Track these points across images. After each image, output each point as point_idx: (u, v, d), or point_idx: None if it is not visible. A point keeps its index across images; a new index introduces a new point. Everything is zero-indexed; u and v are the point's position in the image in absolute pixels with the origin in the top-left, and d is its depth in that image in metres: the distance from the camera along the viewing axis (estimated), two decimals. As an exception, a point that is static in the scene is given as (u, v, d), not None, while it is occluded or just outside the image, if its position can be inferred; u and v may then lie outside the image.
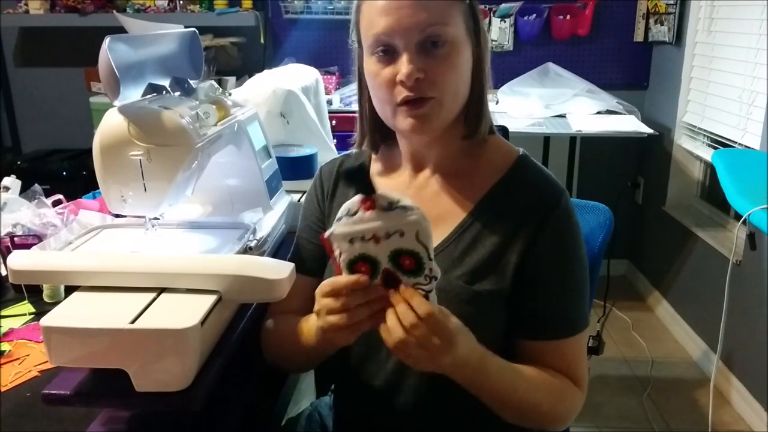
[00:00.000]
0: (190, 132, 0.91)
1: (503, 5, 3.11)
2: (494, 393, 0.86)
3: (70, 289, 0.85)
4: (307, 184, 1.12)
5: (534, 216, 0.91)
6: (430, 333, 0.75)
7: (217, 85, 1.12)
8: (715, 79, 2.68)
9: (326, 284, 0.79)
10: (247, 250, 0.99)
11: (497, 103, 2.95)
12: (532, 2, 3.12)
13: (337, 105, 2.82)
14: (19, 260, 0.83)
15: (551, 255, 0.91)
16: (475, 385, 0.84)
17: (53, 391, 0.76)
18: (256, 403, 0.95)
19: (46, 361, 0.83)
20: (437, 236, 0.89)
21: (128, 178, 0.89)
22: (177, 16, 2.92)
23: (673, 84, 2.96)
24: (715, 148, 2.60)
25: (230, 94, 1.19)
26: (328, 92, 2.87)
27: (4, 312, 1.13)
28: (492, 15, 3.14)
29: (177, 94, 1.01)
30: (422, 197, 0.95)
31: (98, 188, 0.92)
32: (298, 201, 1.37)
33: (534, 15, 3.12)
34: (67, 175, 2.86)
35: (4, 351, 1.00)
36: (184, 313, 0.77)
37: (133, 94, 0.92)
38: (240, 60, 3.15)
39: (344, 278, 0.78)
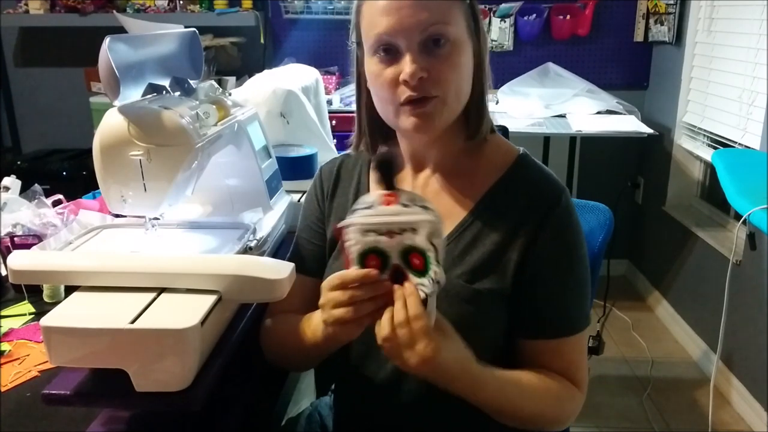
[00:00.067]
0: (190, 132, 0.91)
1: (503, 5, 3.11)
2: (485, 402, 0.85)
3: (70, 289, 0.85)
4: (307, 184, 1.12)
5: (534, 214, 0.91)
6: (413, 335, 0.74)
7: (217, 85, 1.12)
8: (715, 79, 2.68)
9: (335, 277, 0.79)
10: (247, 250, 0.99)
11: (497, 103, 2.95)
12: (532, 2, 3.12)
13: (337, 105, 2.82)
14: (19, 260, 0.83)
15: (552, 253, 0.91)
16: (461, 393, 0.83)
17: (53, 391, 0.76)
18: (256, 403, 0.95)
19: (46, 361, 0.83)
20: None
21: (128, 178, 0.89)
22: (177, 16, 2.92)
23: (673, 84, 2.96)
24: (715, 148, 2.60)
25: (230, 94, 1.19)
26: (328, 92, 2.87)
27: (4, 312, 1.13)
28: (492, 15, 3.14)
29: (177, 94, 1.01)
30: (424, 196, 0.95)
31: (98, 188, 0.92)
32: (298, 201, 1.37)
33: (534, 15, 3.12)
34: (67, 175, 2.86)
35: (4, 351, 1.00)
36: (184, 313, 0.77)
37: (133, 94, 0.92)
38: (240, 60, 3.15)
39: (354, 271, 0.78)
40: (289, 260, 0.96)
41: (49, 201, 1.33)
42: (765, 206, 1.56)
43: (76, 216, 1.26)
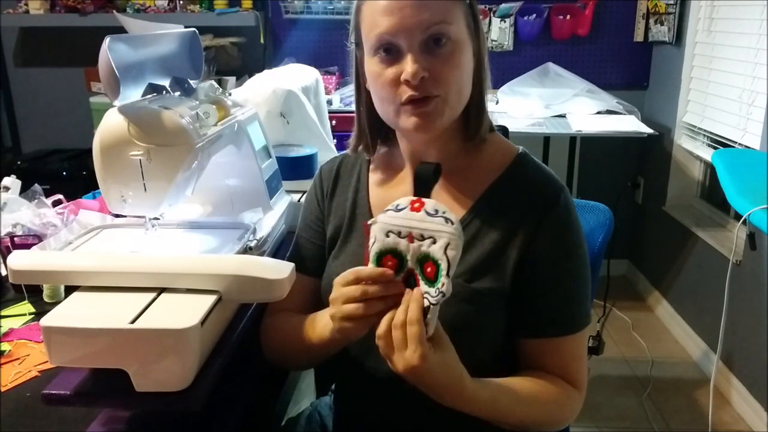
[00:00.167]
0: (190, 132, 0.91)
1: (503, 5, 3.11)
2: (477, 414, 0.85)
3: (70, 289, 0.85)
4: (307, 184, 1.12)
5: (533, 213, 0.91)
6: (405, 339, 0.74)
7: (217, 85, 1.12)
8: (715, 79, 2.68)
9: (350, 272, 0.79)
10: (247, 250, 0.99)
11: (497, 103, 2.96)
12: (532, 2, 3.12)
13: (337, 105, 2.82)
14: (19, 260, 0.83)
15: (551, 252, 0.91)
16: (450, 405, 0.82)
17: (53, 391, 0.76)
18: (256, 403, 0.95)
19: (46, 361, 0.83)
20: None
21: (128, 178, 0.89)
22: (177, 16, 2.92)
23: (673, 84, 2.96)
24: (715, 148, 2.60)
25: (230, 94, 1.19)
26: (328, 92, 2.87)
27: (4, 312, 1.13)
28: (492, 15, 3.14)
29: (177, 94, 1.01)
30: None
31: (98, 188, 0.92)
32: (298, 201, 1.37)
33: (534, 15, 3.12)
34: (67, 175, 2.86)
35: (4, 351, 1.00)
36: (184, 313, 0.77)
37: (133, 94, 0.92)
38: (240, 60, 3.15)
39: (369, 269, 0.78)
40: (289, 260, 0.96)
41: (49, 201, 1.33)
42: (765, 206, 1.56)
43: (76, 216, 1.26)
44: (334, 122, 1.95)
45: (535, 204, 0.91)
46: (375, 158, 1.05)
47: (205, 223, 1.13)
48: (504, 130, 2.26)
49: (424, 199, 0.78)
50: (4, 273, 1.19)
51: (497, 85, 3.04)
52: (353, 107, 1.02)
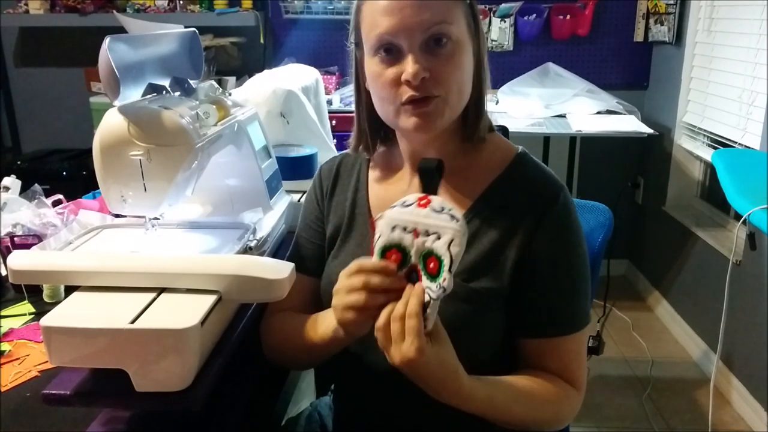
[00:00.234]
0: (190, 132, 0.90)
1: (503, 5, 3.11)
2: (474, 411, 0.84)
3: (70, 289, 0.85)
4: (307, 184, 1.12)
5: (532, 213, 0.91)
6: (403, 332, 0.75)
7: (217, 85, 1.12)
8: (715, 79, 2.68)
9: (354, 264, 0.80)
10: (247, 250, 0.99)
11: (497, 103, 2.96)
12: (532, 2, 3.12)
13: (337, 105, 2.83)
14: (19, 260, 0.83)
15: (550, 252, 0.91)
16: (447, 402, 0.82)
17: (53, 391, 0.76)
18: (256, 403, 0.95)
19: (46, 361, 0.83)
20: None
21: (128, 178, 0.89)
22: (177, 16, 2.92)
23: (673, 84, 2.96)
24: (715, 148, 2.60)
25: (230, 94, 1.19)
26: (328, 92, 2.87)
27: (4, 312, 1.13)
28: (492, 15, 3.14)
29: (177, 94, 1.01)
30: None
31: (98, 188, 0.92)
32: (298, 201, 1.37)
33: (534, 15, 3.12)
34: (67, 175, 2.86)
35: (4, 351, 1.00)
36: (184, 313, 0.77)
37: (133, 94, 0.92)
38: (240, 60, 3.15)
39: (373, 261, 0.79)
40: (289, 259, 0.96)
41: (49, 201, 1.33)
42: (765, 206, 1.56)
43: (76, 216, 1.26)
44: (334, 122, 1.95)
45: (535, 203, 0.91)
46: (374, 158, 1.05)
47: (205, 223, 1.13)
48: (504, 130, 2.26)
49: (431, 197, 0.79)
50: (4, 273, 1.19)
51: (497, 85, 3.04)
52: (353, 107, 1.02)
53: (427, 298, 0.75)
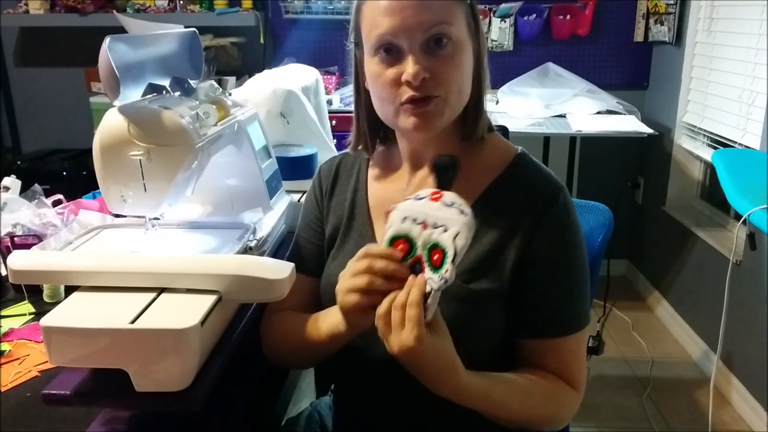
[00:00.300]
0: (190, 132, 0.90)
1: (503, 5, 3.11)
2: (472, 406, 0.85)
3: (70, 289, 0.85)
4: (307, 184, 1.12)
5: (532, 213, 0.91)
6: (403, 320, 0.75)
7: (217, 85, 1.12)
8: (715, 79, 2.68)
9: (361, 250, 0.81)
10: (247, 250, 0.99)
11: (497, 103, 2.96)
12: (532, 2, 3.12)
13: (337, 105, 2.82)
14: (19, 260, 0.83)
15: (549, 252, 0.91)
16: (445, 395, 0.82)
17: (53, 391, 0.76)
18: (256, 403, 0.95)
19: (46, 361, 0.83)
20: None
21: (128, 178, 0.89)
22: (177, 16, 2.92)
23: (673, 84, 2.96)
24: (715, 148, 2.60)
25: (230, 94, 1.19)
26: (328, 92, 2.87)
27: (4, 312, 1.13)
28: (492, 15, 3.14)
29: (177, 94, 1.01)
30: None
31: (98, 188, 0.92)
32: (298, 201, 1.37)
33: (534, 15, 3.12)
34: (67, 175, 2.86)
35: (4, 351, 1.00)
36: (184, 313, 0.77)
37: (133, 94, 0.92)
38: (240, 60, 3.15)
39: (379, 247, 0.80)
40: (289, 259, 0.96)
41: (49, 201, 1.33)
42: (765, 206, 1.56)
43: (76, 216, 1.26)
44: (334, 122, 1.95)
45: (534, 204, 0.91)
46: (374, 157, 1.05)
47: (205, 223, 1.13)
48: (504, 130, 2.26)
49: (444, 192, 0.81)
50: (4, 273, 1.19)
51: (497, 85, 3.04)
52: (353, 107, 1.03)
53: (428, 288, 0.76)
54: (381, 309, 0.77)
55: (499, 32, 3.16)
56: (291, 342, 0.98)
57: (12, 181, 1.39)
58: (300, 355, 0.99)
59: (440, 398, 0.82)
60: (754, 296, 2.22)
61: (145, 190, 0.90)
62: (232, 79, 2.88)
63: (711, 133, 2.68)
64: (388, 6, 0.85)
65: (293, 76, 1.71)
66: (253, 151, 1.20)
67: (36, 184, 1.37)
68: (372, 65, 0.90)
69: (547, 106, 2.91)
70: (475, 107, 0.94)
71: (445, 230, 0.78)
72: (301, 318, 0.97)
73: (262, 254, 1.08)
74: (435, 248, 0.78)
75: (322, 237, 1.05)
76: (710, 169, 2.86)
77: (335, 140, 1.78)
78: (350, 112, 1.04)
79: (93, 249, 0.97)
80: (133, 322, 0.75)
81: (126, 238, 1.02)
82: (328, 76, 3.01)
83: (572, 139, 2.88)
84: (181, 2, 2.99)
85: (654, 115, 3.17)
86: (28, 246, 1.14)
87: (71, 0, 2.95)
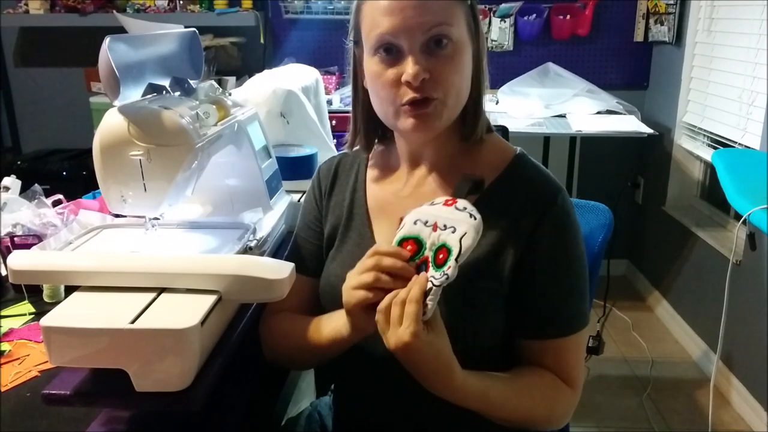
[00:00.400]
0: (190, 132, 0.90)
1: (503, 5, 3.11)
2: (469, 406, 0.85)
3: (70, 289, 0.85)
4: (307, 184, 1.12)
5: (531, 214, 0.91)
6: (401, 316, 0.76)
7: (217, 85, 1.12)
8: (715, 79, 2.68)
9: (371, 249, 0.82)
10: (247, 250, 0.99)
11: (497, 103, 2.96)
12: (532, 2, 3.12)
13: (337, 105, 2.83)
14: (19, 260, 0.83)
15: (548, 253, 0.91)
16: (442, 395, 0.82)
17: (53, 391, 0.76)
18: (256, 403, 0.95)
19: (46, 361, 0.83)
20: None
21: (128, 178, 0.89)
22: (177, 16, 2.92)
23: (673, 84, 2.96)
24: (715, 148, 2.60)
25: (230, 94, 1.19)
26: (328, 92, 2.87)
27: (4, 312, 1.13)
28: (492, 15, 3.14)
29: (177, 94, 1.01)
30: (418, 196, 0.95)
31: (98, 188, 0.92)
32: (298, 201, 1.37)
33: (534, 15, 3.12)
34: (67, 175, 2.86)
35: (4, 351, 1.00)
36: (184, 313, 0.77)
37: (133, 94, 0.92)
38: (240, 60, 3.15)
39: (388, 246, 0.82)
40: (288, 259, 0.96)
41: (49, 201, 1.33)
42: (765, 206, 1.56)
43: (76, 216, 1.26)
44: (334, 122, 1.95)
45: (533, 205, 0.91)
46: (372, 157, 1.05)
47: (205, 223, 1.13)
48: (504, 130, 2.26)
49: (458, 199, 0.84)
50: (4, 273, 1.19)
51: (497, 85, 3.04)
52: (352, 106, 1.03)
53: (429, 285, 0.77)
54: (382, 304, 0.78)
55: (499, 32, 3.16)
56: (292, 344, 0.98)
57: (12, 181, 1.39)
58: (301, 357, 0.99)
59: (440, 399, 0.83)
60: (754, 296, 2.22)
61: (145, 190, 0.90)
62: (232, 79, 2.88)
63: (711, 133, 2.68)
64: (389, 6, 0.85)
65: (293, 76, 1.71)
66: (253, 151, 1.20)
67: (36, 184, 1.37)
68: (371, 65, 0.90)
69: (547, 106, 2.91)
70: (474, 108, 0.94)
71: (453, 231, 0.79)
72: (302, 320, 0.97)
73: (262, 254, 1.08)
74: (441, 248, 0.80)
75: (321, 237, 1.05)
76: (710, 169, 2.86)
77: (335, 140, 1.78)
78: (350, 112, 1.04)
79: (93, 249, 0.97)
80: (133, 322, 0.75)
81: (126, 238, 1.02)
82: (328, 76, 3.01)
83: (572, 139, 2.88)
84: (181, 2, 2.99)
85: (654, 115, 3.17)
86: (28, 246, 1.14)
87: (71, 0, 2.95)
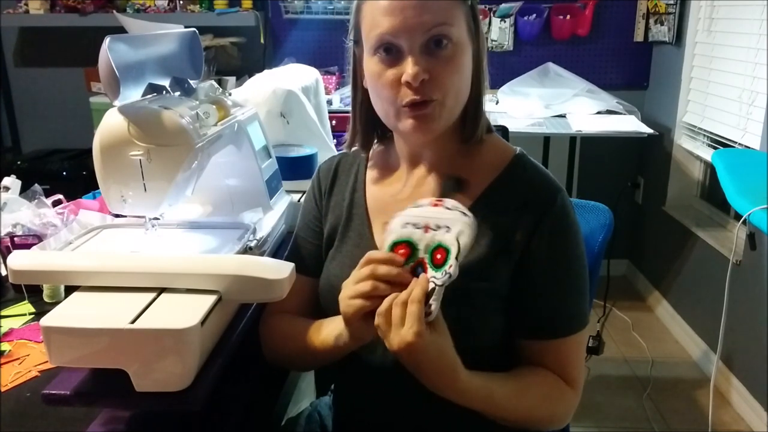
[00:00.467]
0: (190, 132, 0.90)
1: (503, 5, 3.11)
2: (472, 406, 0.85)
3: (70, 289, 0.85)
4: (307, 184, 1.12)
5: (530, 215, 0.91)
6: (403, 316, 0.76)
7: (217, 85, 1.12)
8: (715, 79, 2.68)
9: (364, 256, 0.82)
10: (247, 250, 0.99)
11: (497, 103, 2.96)
12: (532, 2, 3.12)
13: (337, 105, 2.82)
14: (19, 260, 0.83)
15: (548, 254, 0.91)
16: (446, 395, 0.82)
17: (53, 391, 0.76)
18: (256, 403, 0.95)
19: (46, 361, 0.83)
20: None
21: (128, 178, 0.89)
22: (177, 16, 2.92)
23: (673, 84, 2.96)
24: (715, 148, 2.60)
25: (230, 94, 1.19)
26: (328, 92, 2.87)
27: (4, 312, 1.13)
28: (492, 15, 3.14)
29: (177, 94, 1.01)
30: (418, 196, 0.95)
31: (98, 188, 0.92)
32: (298, 201, 1.37)
33: (534, 15, 3.12)
34: (67, 175, 2.86)
35: (4, 351, 1.00)
36: (184, 313, 0.77)
37: (133, 94, 0.92)
38: (240, 60, 3.15)
39: (381, 252, 0.82)
40: (287, 259, 0.96)
41: (49, 201, 1.33)
42: (765, 206, 1.56)
43: (76, 216, 1.26)
44: (334, 122, 1.95)
45: (532, 205, 0.91)
46: (372, 157, 1.05)
47: (205, 223, 1.13)
48: (504, 130, 2.26)
49: (444, 199, 0.83)
50: (4, 273, 1.19)
51: (497, 85, 3.04)
52: (352, 106, 1.03)
53: (431, 285, 0.77)
54: (381, 307, 0.78)
55: (499, 32, 3.16)
56: (291, 346, 0.98)
57: (12, 181, 1.39)
58: (300, 359, 0.99)
59: (440, 399, 0.83)
60: (754, 296, 2.22)
61: (145, 190, 0.90)
62: (232, 79, 2.88)
63: (711, 133, 2.68)
64: (389, 6, 0.85)
65: (293, 76, 1.71)
66: (253, 151, 1.20)
67: (36, 184, 1.37)
68: (371, 65, 0.90)
69: (547, 106, 2.91)
70: (474, 109, 0.94)
71: (448, 230, 0.79)
72: (303, 323, 0.97)
73: (262, 254, 1.08)
74: (438, 248, 0.79)
75: (321, 237, 1.05)
76: (710, 169, 2.86)
77: (335, 140, 1.78)
78: (350, 112, 1.04)
79: (93, 249, 0.97)
80: (133, 322, 0.75)
81: (126, 238, 1.02)
82: (328, 76, 3.01)
83: (572, 139, 2.88)
84: (181, 2, 2.99)
85: (654, 115, 3.17)
86: (28, 246, 1.14)
87: (71, 0, 2.95)
